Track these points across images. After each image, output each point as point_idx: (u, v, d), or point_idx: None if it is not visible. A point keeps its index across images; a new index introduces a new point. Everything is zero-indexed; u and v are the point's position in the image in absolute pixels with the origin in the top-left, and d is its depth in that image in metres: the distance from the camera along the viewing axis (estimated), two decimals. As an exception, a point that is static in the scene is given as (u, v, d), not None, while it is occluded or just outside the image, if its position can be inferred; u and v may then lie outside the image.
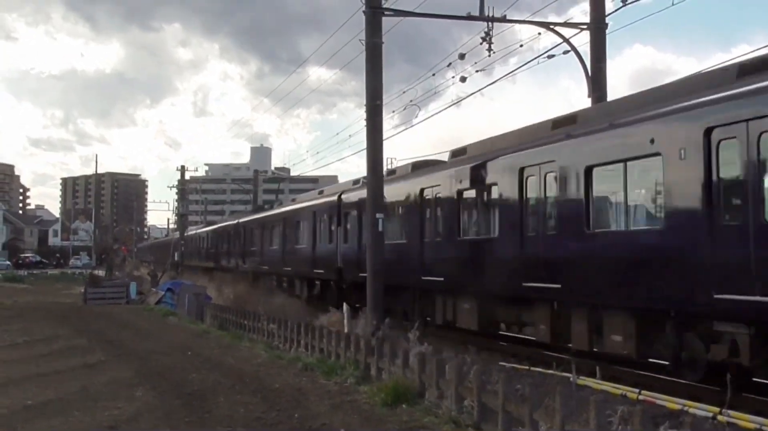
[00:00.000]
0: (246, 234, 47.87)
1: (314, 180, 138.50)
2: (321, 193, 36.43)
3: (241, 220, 51.81)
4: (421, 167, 24.99)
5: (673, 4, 19.79)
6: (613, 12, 23.67)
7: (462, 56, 25.75)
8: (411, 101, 28.96)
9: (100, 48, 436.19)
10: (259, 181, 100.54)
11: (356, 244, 27.33)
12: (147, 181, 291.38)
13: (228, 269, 52.56)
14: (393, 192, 23.99)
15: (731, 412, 11.26)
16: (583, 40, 23.80)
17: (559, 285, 16.27)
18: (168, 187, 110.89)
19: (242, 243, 49.03)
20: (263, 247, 43.06)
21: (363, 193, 24.35)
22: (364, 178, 24.84)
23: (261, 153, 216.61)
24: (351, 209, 28.58)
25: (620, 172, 14.91)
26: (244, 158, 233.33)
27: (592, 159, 15.60)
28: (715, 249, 12.38)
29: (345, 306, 23.50)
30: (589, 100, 23.18)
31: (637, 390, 13.09)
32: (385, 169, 24.88)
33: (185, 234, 76.21)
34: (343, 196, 30.04)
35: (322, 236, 32.22)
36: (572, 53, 23.70)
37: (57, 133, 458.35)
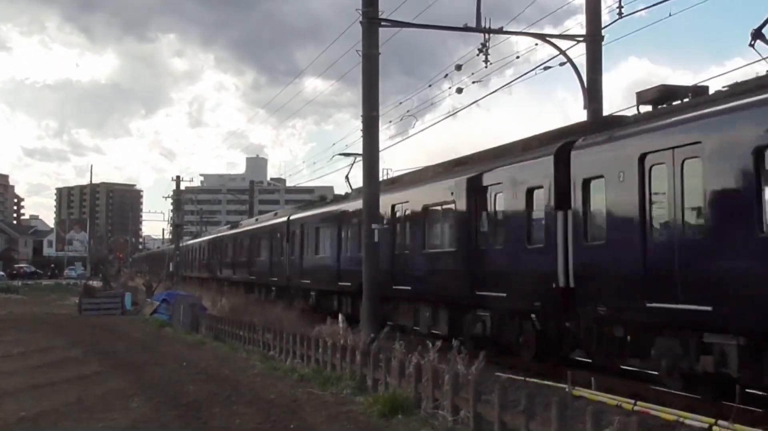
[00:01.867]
0: (251, 244, 47.19)
1: (310, 190, 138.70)
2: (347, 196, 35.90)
3: (246, 228, 51.46)
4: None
5: (670, 15, 19.90)
6: (610, 24, 23.77)
7: (459, 67, 25.84)
8: (408, 111, 29.11)
9: (95, 58, 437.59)
10: (255, 191, 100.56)
11: (387, 255, 24.48)
12: (142, 191, 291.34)
13: (226, 280, 52.30)
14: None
15: (726, 423, 11.27)
16: (579, 52, 23.89)
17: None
18: (163, 197, 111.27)
19: (247, 253, 48.56)
20: (271, 258, 42.02)
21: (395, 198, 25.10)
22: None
23: (257, 164, 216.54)
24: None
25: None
26: (240, 169, 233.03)
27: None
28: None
29: (341, 316, 23.47)
30: (585, 111, 23.26)
31: (632, 401, 13.10)
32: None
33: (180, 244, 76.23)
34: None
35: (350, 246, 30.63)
36: (568, 65, 23.77)
37: (52, 143, 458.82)
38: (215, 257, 59.58)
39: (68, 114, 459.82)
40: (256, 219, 53.08)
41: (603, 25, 23.64)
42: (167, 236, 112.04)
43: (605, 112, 22.36)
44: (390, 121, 32.24)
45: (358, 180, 27.14)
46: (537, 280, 17.27)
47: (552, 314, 17.43)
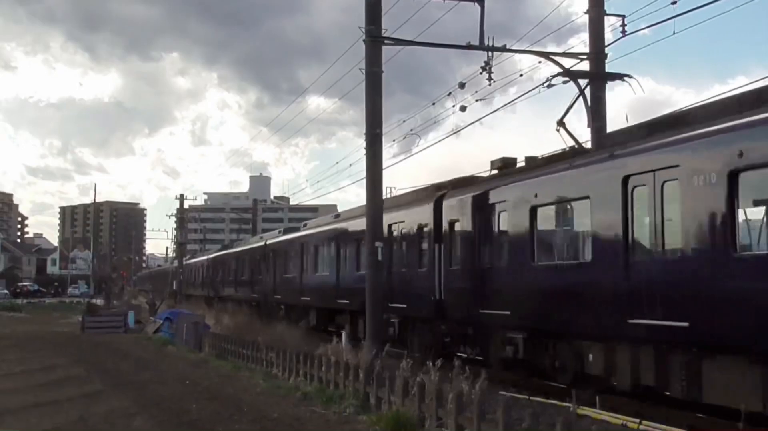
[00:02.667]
0: (261, 262, 45.85)
1: (314, 209, 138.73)
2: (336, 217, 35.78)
3: (257, 245, 48.40)
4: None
5: (674, 33, 19.93)
6: (613, 42, 23.81)
7: (462, 85, 25.84)
8: (411, 130, 29.10)
9: (98, 77, 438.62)
10: (259, 209, 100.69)
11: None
12: (146, 209, 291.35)
13: (230, 299, 52.06)
14: None
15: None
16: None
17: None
18: (167, 215, 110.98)
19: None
20: (279, 275, 40.68)
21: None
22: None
23: (260, 182, 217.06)
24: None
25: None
26: (243, 187, 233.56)
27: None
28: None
29: (344, 335, 23.43)
30: (589, 130, 23.22)
31: (637, 420, 13.02)
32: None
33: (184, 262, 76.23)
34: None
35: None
36: (572, 83, 23.75)
37: (55, 161, 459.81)
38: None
39: (71, 132, 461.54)
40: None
41: (606, 43, 23.70)
42: (171, 254, 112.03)
43: (608, 130, 22.34)
44: (393, 140, 32.28)
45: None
46: None
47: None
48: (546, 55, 24.48)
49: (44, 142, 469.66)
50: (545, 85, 24.13)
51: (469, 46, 24.06)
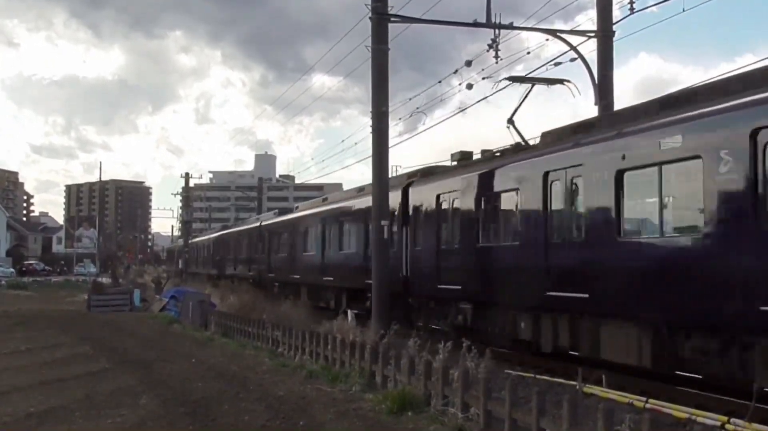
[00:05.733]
0: (271, 240, 44.48)
1: (319, 187, 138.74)
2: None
3: (265, 223, 46.95)
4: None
5: (683, 10, 19.76)
6: (621, 20, 23.65)
7: (468, 63, 25.76)
8: (417, 108, 29.00)
9: (101, 54, 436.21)
10: (264, 188, 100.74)
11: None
12: (151, 188, 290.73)
13: (239, 278, 51.76)
14: None
15: (739, 421, 11.17)
16: (590, 48, 23.76)
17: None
18: (172, 194, 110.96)
19: (265, 250, 45.31)
20: (295, 254, 39.31)
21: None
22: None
23: (265, 160, 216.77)
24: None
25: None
26: (248, 166, 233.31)
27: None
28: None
29: (350, 313, 23.48)
30: (596, 108, 23.12)
31: (644, 399, 13.01)
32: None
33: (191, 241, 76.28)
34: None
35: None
36: (579, 61, 23.64)
37: (59, 140, 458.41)
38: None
39: (75, 110, 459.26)
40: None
41: (614, 21, 23.55)
42: (176, 233, 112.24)
43: (616, 108, 22.23)
44: (399, 118, 32.20)
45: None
46: None
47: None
48: (553, 33, 24.34)
49: (48, 119, 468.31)
50: (552, 63, 24.06)
51: (475, 24, 23.93)
